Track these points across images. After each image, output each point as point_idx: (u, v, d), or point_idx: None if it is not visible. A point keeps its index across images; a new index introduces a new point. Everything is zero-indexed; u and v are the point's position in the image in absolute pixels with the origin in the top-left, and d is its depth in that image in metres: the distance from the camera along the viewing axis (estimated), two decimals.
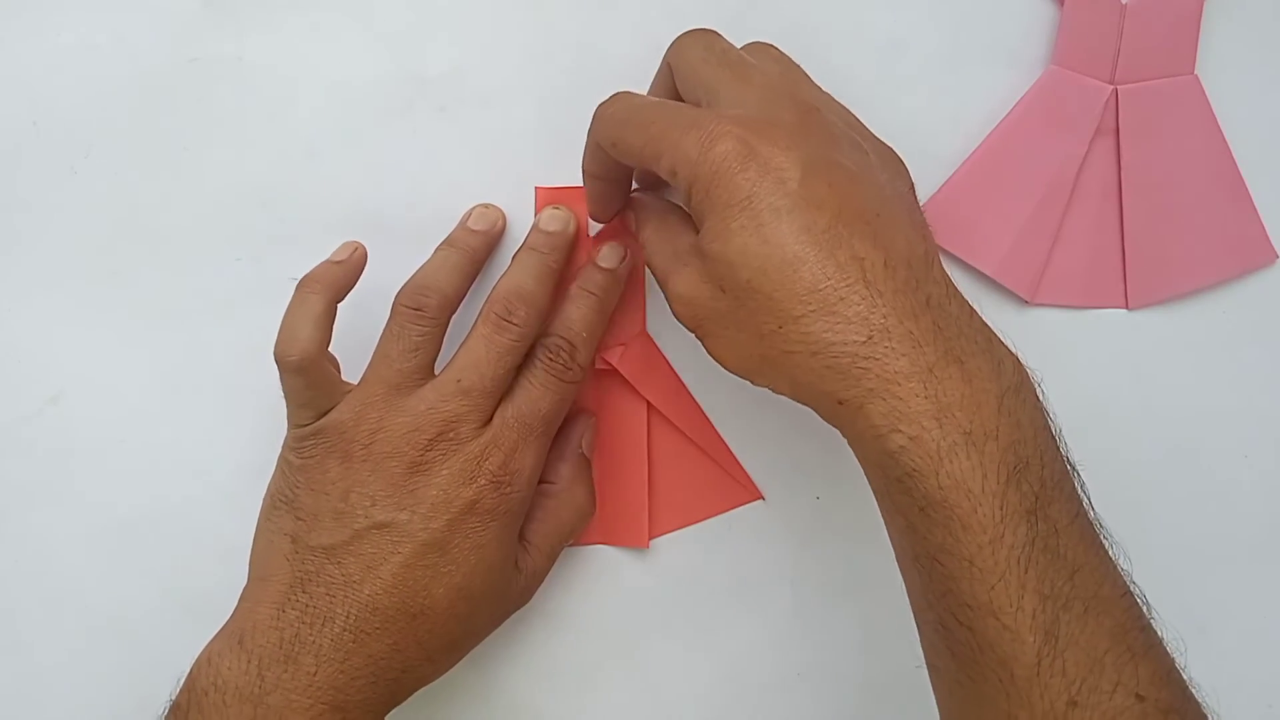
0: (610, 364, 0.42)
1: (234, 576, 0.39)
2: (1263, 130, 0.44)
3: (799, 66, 0.38)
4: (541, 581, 0.42)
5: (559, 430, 0.42)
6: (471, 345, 0.39)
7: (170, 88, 0.43)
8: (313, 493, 0.38)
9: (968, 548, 0.30)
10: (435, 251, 0.41)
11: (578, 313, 0.40)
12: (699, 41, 0.37)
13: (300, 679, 0.35)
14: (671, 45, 0.38)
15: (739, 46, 0.38)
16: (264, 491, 0.40)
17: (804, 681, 0.45)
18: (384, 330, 0.39)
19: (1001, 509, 0.30)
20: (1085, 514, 0.32)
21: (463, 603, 0.38)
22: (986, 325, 0.33)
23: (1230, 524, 0.46)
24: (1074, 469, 0.33)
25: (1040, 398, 0.33)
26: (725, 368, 0.35)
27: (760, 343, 0.33)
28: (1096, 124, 0.43)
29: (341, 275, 0.40)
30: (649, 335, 0.43)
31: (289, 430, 0.39)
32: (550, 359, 0.39)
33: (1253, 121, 0.44)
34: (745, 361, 0.35)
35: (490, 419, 0.39)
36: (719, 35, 0.38)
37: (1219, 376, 0.45)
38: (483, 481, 0.38)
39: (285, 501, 0.38)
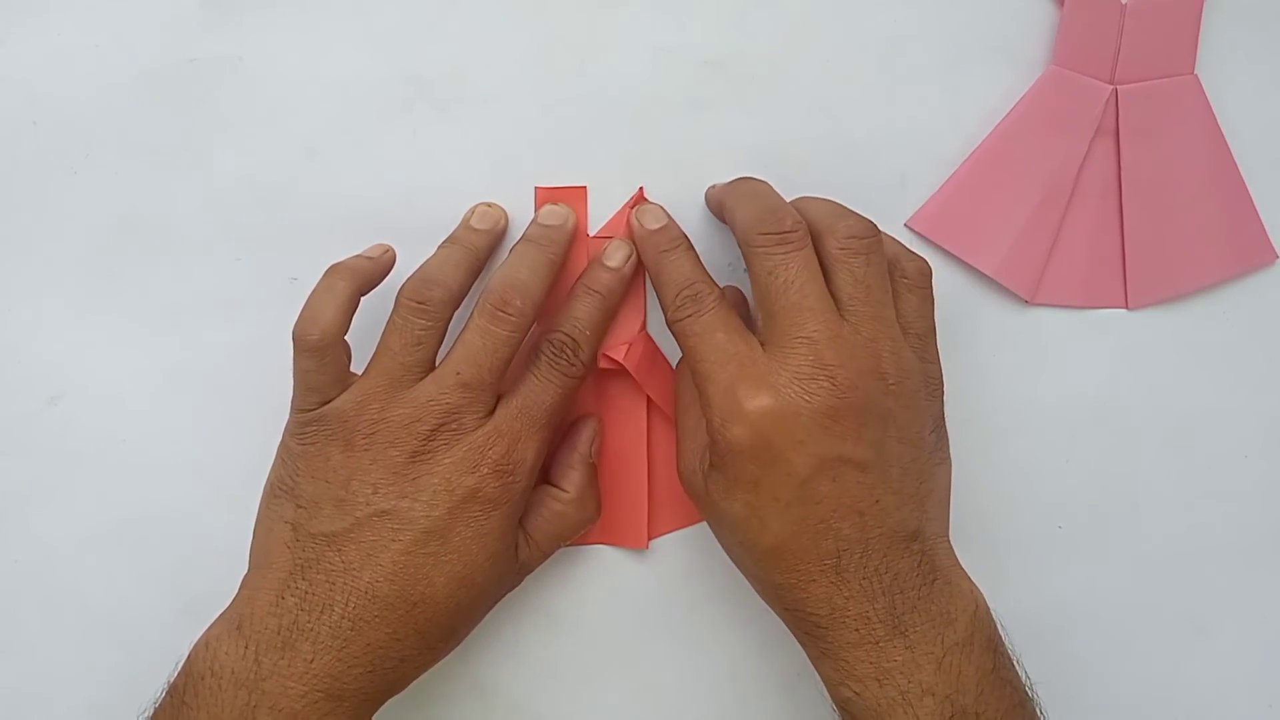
0: (616, 361, 0.42)
1: (234, 576, 0.39)
2: (1263, 130, 0.44)
3: (881, 271, 0.38)
4: (532, 571, 0.42)
5: (567, 436, 0.43)
6: (468, 337, 0.39)
7: (170, 88, 0.43)
8: (314, 480, 0.38)
9: None
10: (439, 248, 0.41)
11: (582, 310, 0.40)
12: (771, 237, 0.37)
13: (297, 666, 0.35)
14: (737, 215, 0.39)
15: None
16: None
17: (804, 681, 0.45)
18: (387, 323, 0.39)
19: None
20: None
21: (464, 591, 0.38)
22: (948, 584, 0.37)
23: (1230, 524, 0.46)
24: (1031, 690, 0.37)
25: (993, 638, 0.37)
26: None
27: (739, 563, 0.40)
28: (1096, 124, 0.43)
29: (370, 270, 0.40)
30: (649, 334, 0.43)
31: (292, 415, 0.39)
32: (554, 355, 0.40)
33: (1253, 121, 0.44)
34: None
35: (493, 410, 0.39)
36: (788, 223, 0.38)
37: (1219, 376, 0.45)
38: (485, 470, 0.38)
39: (286, 490, 0.38)
